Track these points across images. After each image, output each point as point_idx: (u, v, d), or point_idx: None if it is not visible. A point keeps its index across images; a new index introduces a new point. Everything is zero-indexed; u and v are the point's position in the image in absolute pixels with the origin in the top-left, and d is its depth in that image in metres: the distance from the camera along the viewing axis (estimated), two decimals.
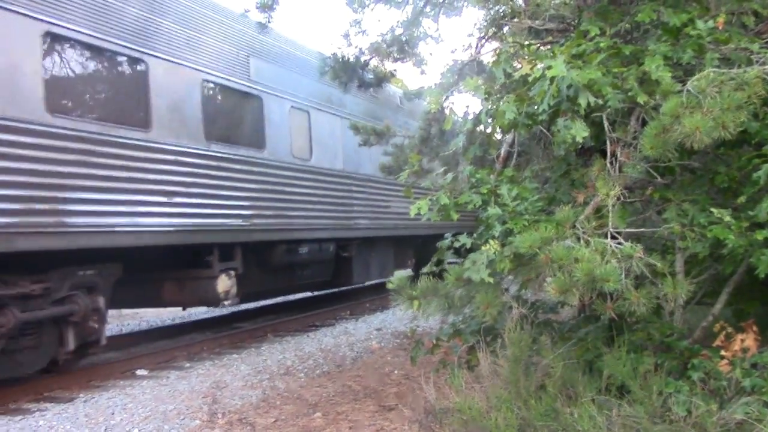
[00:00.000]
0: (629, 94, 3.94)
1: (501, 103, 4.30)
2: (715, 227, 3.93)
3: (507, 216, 4.29)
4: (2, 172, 6.08)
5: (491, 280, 4.11)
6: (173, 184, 7.96)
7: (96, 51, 7.21)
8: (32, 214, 6.31)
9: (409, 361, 5.58)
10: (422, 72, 9.18)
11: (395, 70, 8.31)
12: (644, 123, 4.02)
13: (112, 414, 5.96)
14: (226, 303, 9.06)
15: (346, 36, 7.76)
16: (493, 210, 4.32)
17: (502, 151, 5.38)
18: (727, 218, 3.90)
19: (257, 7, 7.22)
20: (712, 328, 4.45)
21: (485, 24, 6.96)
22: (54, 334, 7.01)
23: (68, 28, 6.87)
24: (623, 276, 3.62)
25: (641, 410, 3.78)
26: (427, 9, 7.16)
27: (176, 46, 8.22)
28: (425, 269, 4.84)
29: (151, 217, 7.58)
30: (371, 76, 8.34)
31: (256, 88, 9.64)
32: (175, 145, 8.07)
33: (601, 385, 4.10)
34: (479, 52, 6.78)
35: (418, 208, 4.49)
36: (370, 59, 7.82)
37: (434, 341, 5.24)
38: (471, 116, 5.04)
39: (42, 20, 6.59)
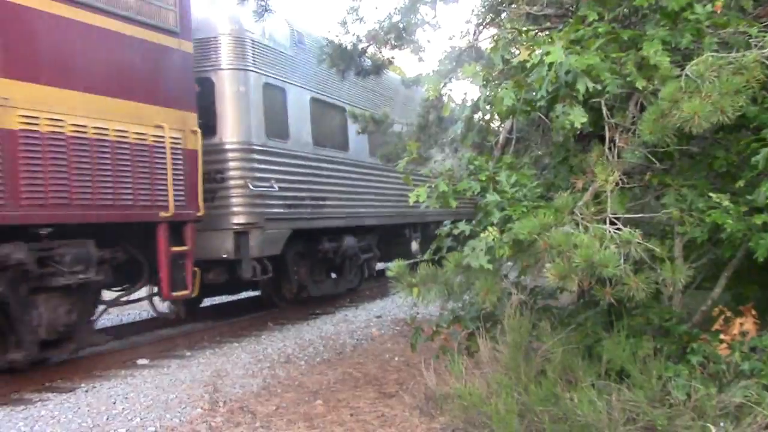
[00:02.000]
0: (628, 79, 3.93)
1: (499, 89, 4.29)
2: (713, 212, 3.94)
3: (506, 202, 4.29)
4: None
5: (490, 266, 4.11)
6: (384, 187, 12.91)
7: (325, 104, 11.29)
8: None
9: (409, 348, 5.60)
10: (420, 59, 9.14)
11: (393, 58, 8.28)
12: (643, 108, 4.02)
13: (114, 403, 5.98)
14: (417, 256, 13.55)
15: (344, 23, 7.72)
16: (492, 197, 4.32)
17: (501, 138, 5.38)
18: (726, 203, 3.91)
19: None
20: (711, 313, 4.47)
21: (483, 10, 6.93)
22: (360, 267, 12.48)
23: (319, 93, 11.01)
24: (622, 261, 3.63)
25: (641, 394, 3.80)
26: None
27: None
28: (425, 256, 4.85)
29: (382, 208, 12.66)
30: (369, 64, 8.30)
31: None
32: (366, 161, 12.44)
33: (600, 369, 4.12)
34: (477, 39, 6.76)
35: (417, 195, 4.49)
36: (368, 47, 7.78)
37: (434, 328, 5.25)
38: (469, 103, 5.04)
39: (310, 90, 10.75)
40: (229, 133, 9.03)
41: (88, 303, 7.26)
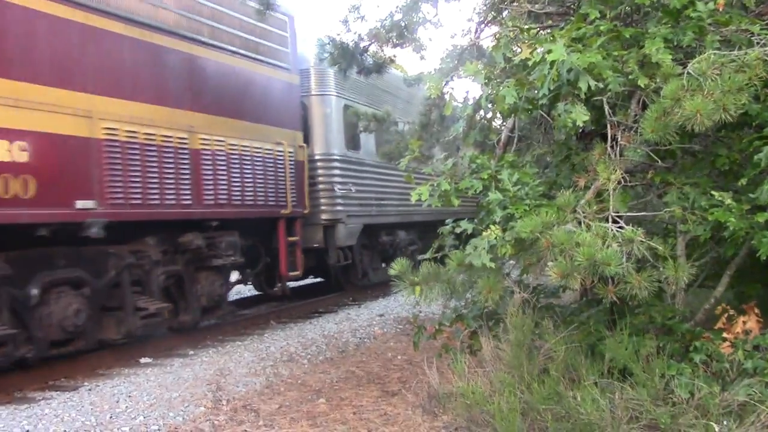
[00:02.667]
0: (630, 77, 3.92)
1: (501, 87, 4.29)
2: (716, 210, 3.93)
3: (508, 201, 4.28)
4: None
5: (493, 265, 4.11)
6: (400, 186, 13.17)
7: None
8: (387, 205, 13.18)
9: (412, 347, 5.60)
10: (422, 57, 9.27)
11: (395, 56, 8.27)
12: (645, 106, 4.01)
13: (117, 402, 5.99)
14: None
15: (345, 22, 7.72)
16: (494, 195, 4.32)
17: (503, 136, 5.37)
18: (729, 201, 3.90)
19: None
20: (714, 311, 4.46)
21: (485, 8, 6.92)
22: (408, 257, 13.19)
23: (376, 109, 11.55)
24: (624, 260, 3.62)
25: (644, 393, 3.80)
26: None
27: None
28: (427, 255, 4.85)
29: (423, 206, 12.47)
30: (370, 62, 8.30)
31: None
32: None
33: (603, 368, 4.12)
34: (479, 37, 6.75)
35: (419, 194, 4.50)
36: (370, 45, 7.78)
37: (436, 326, 5.25)
38: (471, 101, 5.03)
39: (371, 107, 11.76)
40: (319, 146, 11.44)
41: (228, 280, 9.59)
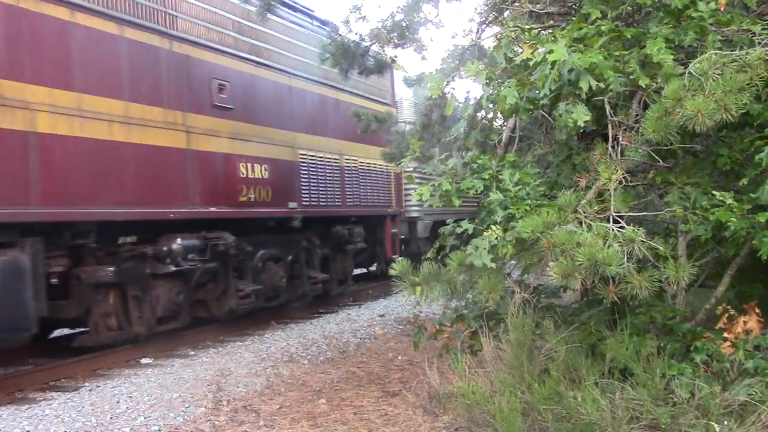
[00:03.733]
0: (631, 77, 3.92)
1: (502, 88, 4.29)
2: (717, 210, 3.93)
3: (509, 201, 4.28)
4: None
5: (493, 265, 4.11)
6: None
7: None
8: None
9: (412, 347, 5.60)
10: (423, 58, 9.28)
11: (396, 56, 8.26)
12: (646, 106, 4.01)
13: (118, 402, 5.99)
14: None
15: (347, 22, 7.72)
16: (495, 195, 4.32)
17: (504, 137, 5.36)
18: (730, 201, 3.90)
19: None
20: (715, 311, 4.46)
21: (486, 8, 6.91)
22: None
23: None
24: (625, 260, 3.62)
25: (644, 393, 3.80)
26: None
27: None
28: (428, 255, 4.85)
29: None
30: (372, 63, 8.30)
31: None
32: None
33: (604, 368, 4.11)
34: (480, 37, 6.74)
35: (420, 194, 4.49)
36: (371, 45, 7.77)
37: (437, 326, 5.24)
38: (472, 101, 5.03)
39: None
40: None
41: (353, 261, 12.84)
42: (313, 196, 10.74)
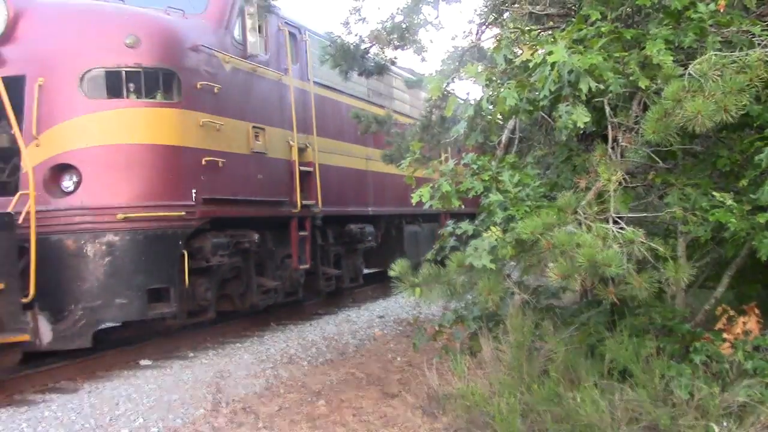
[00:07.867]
0: (631, 78, 3.93)
1: (502, 89, 4.29)
2: (717, 211, 3.93)
3: (509, 202, 4.29)
4: None
5: (493, 266, 4.11)
6: None
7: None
8: None
9: (412, 348, 5.60)
10: (423, 59, 9.27)
11: (396, 58, 8.28)
12: (646, 107, 4.02)
13: (117, 404, 5.98)
14: None
15: (346, 24, 7.73)
16: (495, 196, 4.32)
17: (504, 138, 5.38)
18: (729, 202, 3.90)
19: None
20: (714, 312, 4.46)
21: (486, 10, 6.92)
22: None
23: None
24: (625, 261, 3.63)
25: (644, 394, 3.80)
26: None
27: None
28: (427, 256, 4.85)
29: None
30: (372, 64, 8.30)
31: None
32: None
33: (603, 369, 4.12)
34: (480, 39, 6.76)
35: (420, 195, 4.49)
36: (371, 47, 7.78)
37: (437, 328, 5.25)
38: (472, 103, 5.03)
39: None
40: None
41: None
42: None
